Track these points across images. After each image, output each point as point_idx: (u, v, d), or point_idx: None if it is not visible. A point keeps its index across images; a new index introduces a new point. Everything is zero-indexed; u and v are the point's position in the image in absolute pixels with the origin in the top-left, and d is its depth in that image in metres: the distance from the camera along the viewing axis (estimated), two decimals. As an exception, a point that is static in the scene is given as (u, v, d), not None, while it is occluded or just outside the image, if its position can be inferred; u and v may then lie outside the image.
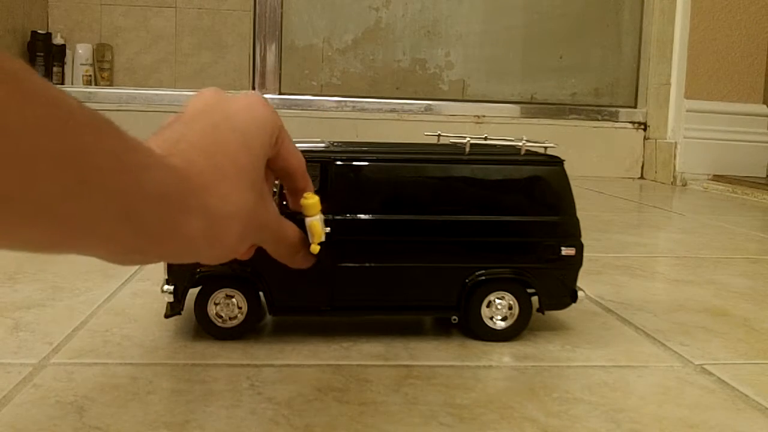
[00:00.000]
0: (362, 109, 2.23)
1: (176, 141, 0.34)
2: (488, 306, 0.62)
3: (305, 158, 0.61)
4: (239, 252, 0.38)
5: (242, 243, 0.37)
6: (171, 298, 0.59)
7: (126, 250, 0.31)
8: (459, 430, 0.46)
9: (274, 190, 0.53)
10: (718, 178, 2.07)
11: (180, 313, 0.60)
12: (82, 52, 2.51)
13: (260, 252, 0.45)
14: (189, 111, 0.38)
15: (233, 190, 0.34)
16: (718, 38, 2.14)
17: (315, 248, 0.48)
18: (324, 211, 0.48)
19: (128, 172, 0.28)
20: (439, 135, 0.70)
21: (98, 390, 0.50)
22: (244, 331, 0.60)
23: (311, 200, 0.46)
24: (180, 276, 0.59)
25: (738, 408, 0.51)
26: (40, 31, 2.45)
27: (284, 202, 0.68)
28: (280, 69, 2.27)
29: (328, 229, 0.51)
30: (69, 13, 2.56)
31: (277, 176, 0.45)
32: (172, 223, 0.31)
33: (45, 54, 2.45)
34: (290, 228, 0.45)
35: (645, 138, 2.30)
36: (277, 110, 0.41)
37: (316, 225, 0.47)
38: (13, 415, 0.46)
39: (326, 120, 2.19)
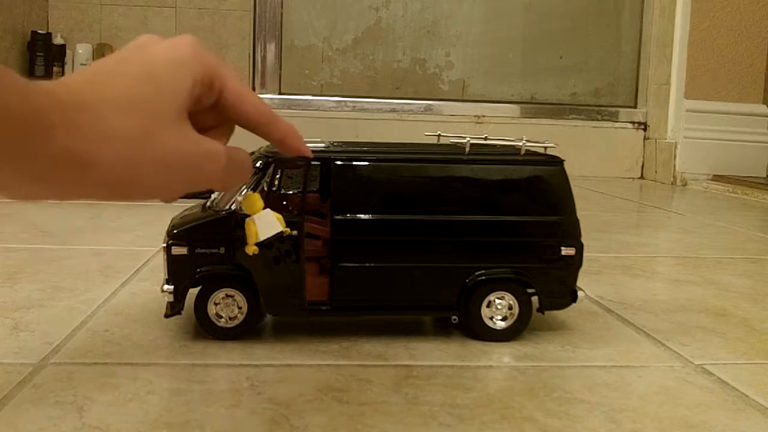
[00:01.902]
0: (362, 109, 2.22)
1: (75, 75, 0.34)
2: (488, 306, 0.62)
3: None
4: (144, 190, 0.35)
5: (135, 173, 0.34)
6: (171, 298, 0.59)
7: None
8: (459, 430, 0.46)
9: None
10: (718, 178, 2.07)
11: (180, 313, 0.60)
12: (82, 52, 2.51)
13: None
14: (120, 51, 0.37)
15: (113, 112, 0.33)
16: (718, 38, 2.14)
17: (249, 249, 0.45)
18: (324, 211, 0.46)
19: None
20: (439, 135, 0.70)
21: (98, 390, 0.50)
22: (244, 331, 0.60)
23: (248, 199, 0.44)
24: (180, 276, 0.59)
25: (738, 408, 0.51)
26: (40, 31, 2.45)
27: (284, 202, 0.68)
28: (280, 69, 2.27)
29: (295, 231, 0.46)
30: (69, 13, 2.56)
31: (245, 127, 0.41)
32: (30, 139, 0.30)
33: (45, 54, 2.45)
34: (236, 153, 0.40)
35: (645, 138, 2.30)
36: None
37: (249, 225, 0.44)
38: (13, 415, 0.46)
39: (326, 120, 2.19)
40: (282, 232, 0.45)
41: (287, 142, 0.42)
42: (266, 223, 0.44)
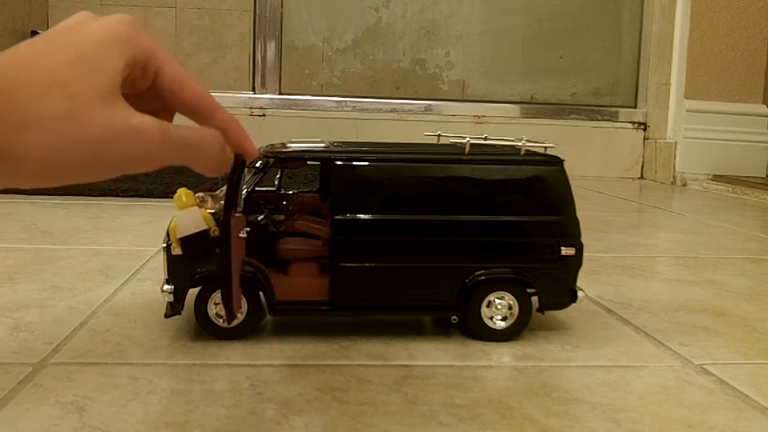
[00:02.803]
0: (362, 109, 2.23)
1: (1, 55, 0.33)
2: (488, 306, 0.62)
3: (305, 158, 0.61)
4: (72, 173, 0.34)
5: (59, 158, 0.33)
6: (171, 298, 0.59)
7: None
8: (459, 430, 0.46)
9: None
10: (718, 178, 2.07)
11: (180, 313, 0.60)
12: (82, 52, 2.51)
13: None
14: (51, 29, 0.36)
15: (32, 99, 0.32)
16: (718, 38, 2.14)
17: (173, 246, 0.44)
18: (324, 211, 0.46)
19: None
20: (439, 135, 0.70)
21: (98, 390, 0.50)
22: (244, 331, 0.60)
23: (176, 196, 0.42)
24: (180, 276, 0.59)
25: (738, 408, 0.51)
26: (40, 31, 2.45)
27: (284, 202, 0.68)
28: (280, 69, 2.27)
29: (215, 230, 0.45)
30: (69, 13, 2.55)
31: (184, 113, 0.40)
32: None
33: (45, 54, 2.45)
34: (193, 134, 0.38)
35: (645, 138, 2.30)
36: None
37: (172, 223, 0.43)
38: (13, 415, 0.46)
39: (326, 120, 2.19)
40: (206, 231, 0.44)
41: (230, 134, 0.40)
42: (187, 222, 0.43)
